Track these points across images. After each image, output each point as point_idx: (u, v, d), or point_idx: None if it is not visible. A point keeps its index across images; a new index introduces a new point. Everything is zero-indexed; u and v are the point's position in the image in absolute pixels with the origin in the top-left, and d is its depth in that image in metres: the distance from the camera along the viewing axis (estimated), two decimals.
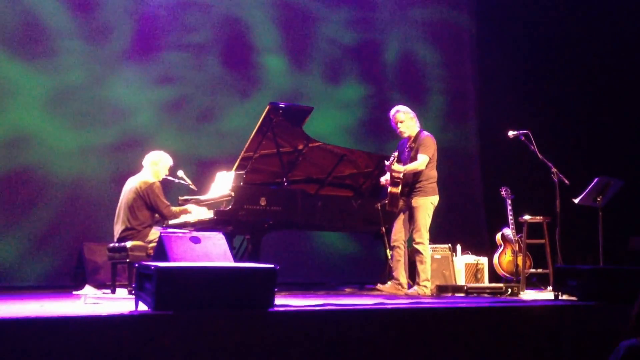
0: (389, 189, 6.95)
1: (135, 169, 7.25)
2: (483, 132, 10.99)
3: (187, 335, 3.94)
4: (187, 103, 9.54)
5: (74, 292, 6.95)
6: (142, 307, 4.27)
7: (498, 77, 10.64)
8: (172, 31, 9.52)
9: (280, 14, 10.24)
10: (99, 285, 7.55)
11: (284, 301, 5.22)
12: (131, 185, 6.93)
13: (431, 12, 11.16)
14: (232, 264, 5.13)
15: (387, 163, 6.91)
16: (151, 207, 6.82)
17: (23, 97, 8.59)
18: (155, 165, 7.03)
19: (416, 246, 6.89)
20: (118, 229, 6.89)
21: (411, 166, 6.88)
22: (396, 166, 6.87)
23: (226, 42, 9.84)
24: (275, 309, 4.37)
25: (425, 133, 7.04)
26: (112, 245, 6.91)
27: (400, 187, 6.90)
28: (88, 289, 7.20)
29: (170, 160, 7.14)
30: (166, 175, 7.11)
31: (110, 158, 8.90)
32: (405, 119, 7.01)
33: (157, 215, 6.92)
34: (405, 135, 7.04)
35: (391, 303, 5.44)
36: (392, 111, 7.10)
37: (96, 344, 3.75)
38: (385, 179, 7.08)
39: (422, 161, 6.85)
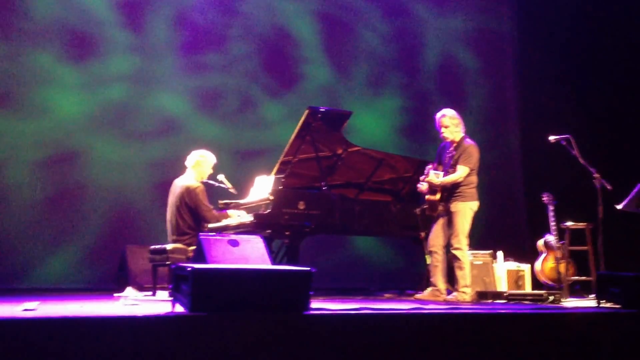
0: (427, 196, 6.91)
1: (175, 177, 7.37)
2: (525, 138, 10.90)
3: (222, 336, 3.94)
4: (231, 114, 9.67)
5: (115, 295, 7.04)
6: (179, 308, 4.29)
7: (539, 82, 10.54)
8: (217, 43, 9.73)
9: (321, 24, 10.33)
10: (141, 288, 7.64)
11: (320, 305, 5.22)
12: (177, 188, 7.03)
13: (471, 19, 11.15)
14: (268, 266, 5.13)
15: (422, 177, 6.88)
16: (194, 210, 6.89)
17: (70, 112, 8.87)
18: (199, 166, 7.10)
19: (454, 252, 6.81)
20: (170, 232, 6.98)
21: (449, 178, 6.82)
22: (432, 178, 6.82)
23: (269, 52, 9.99)
24: (311, 312, 4.33)
25: (469, 141, 6.96)
26: (153, 247, 7.00)
27: (438, 194, 6.85)
28: (129, 291, 7.29)
29: (214, 158, 7.19)
30: (207, 179, 7.16)
31: (153, 168, 9.13)
32: (451, 125, 6.94)
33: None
34: (449, 140, 6.99)
35: (428, 308, 5.39)
36: (438, 115, 7.03)
37: (132, 345, 3.77)
38: (422, 187, 7.03)
39: (461, 173, 6.79)
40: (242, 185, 7.78)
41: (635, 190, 7.42)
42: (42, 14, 8.79)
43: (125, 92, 9.14)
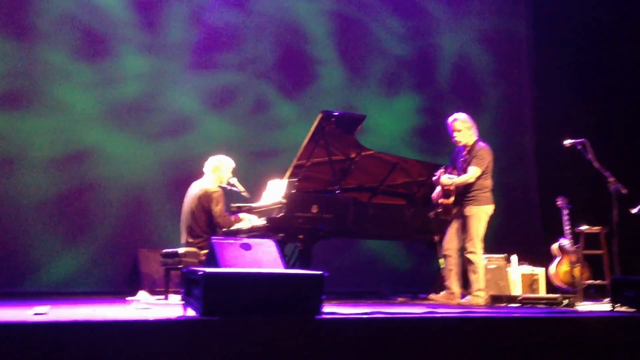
0: (441, 200, 6.90)
1: (190, 178, 7.37)
2: (539, 141, 10.83)
3: (234, 341, 3.93)
4: (244, 114, 9.65)
5: (128, 298, 7.05)
6: (191, 312, 4.29)
7: (554, 85, 10.48)
8: (231, 42, 9.69)
9: (336, 24, 10.32)
10: (153, 292, 7.65)
11: (333, 309, 5.20)
12: (194, 191, 7.05)
13: (486, 20, 11.10)
14: (279, 270, 5.12)
15: (434, 178, 6.87)
16: (210, 214, 6.90)
17: (84, 111, 8.83)
18: (218, 171, 7.13)
19: (468, 256, 6.79)
20: (184, 234, 7.00)
21: (460, 179, 6.80)
22: (444, 180, 6.81)
23: (283, 52, 9.95)
24: (323, 316, 4.32)
25: (481, 144, 6.94)
26: (165, 251, 7.01)
27: (452, 197, 6.83)
28: (141, 295, 7.30)
29: (232, 163, 7.21)
30: (221, 184, 7.17)
31: (166, 169, 9.10)
32: (463, 128, 6.92)
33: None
34: (461, 144, 6.97)
35: (441, 312, 5.37)
36: (450, 119, 7.02)
37: (144, 349, 3.77)
38: (437, 192, 7.01)
39: (472, 174, 6.77)
40: (255, 187, 7.78)
41: None
42: (57, 12, 8.77)
43: (139, 92, 9.10)
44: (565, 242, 8.17)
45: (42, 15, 8.70)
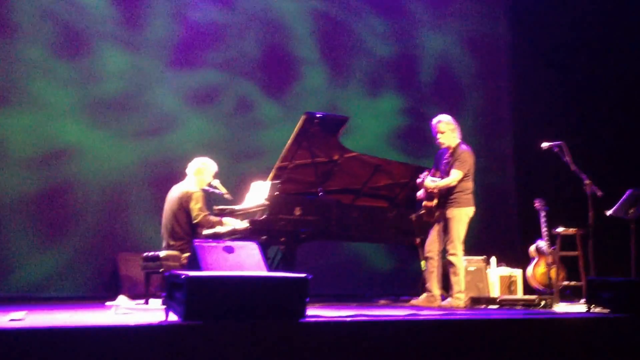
0: (424, 202, 6.96)
1: (172, 178, 7.36)
2: (518, 144, 10.93)
3: (217, 345, 3.92)
4: (228, 114, 9.64)
5: (107, 303, 7.03)
6: (173, 317, 4.27)
7: (533, 89, 10.59)
8: (214, 41, 9.64)
9: (320, 25, 10.32)
10: (133, 296, 7.59)
11: (316, 312, 5.25)
12: (175, 194, 7.03)
13: (467, 23, 11.17)
14: (263, 273, 5.14)
15: (419, 180, 6.92)
16: (191, 215, 6.90)
17: (63, 108, 8.73)
18: (200, 174, 7.11)
19: (450, 258, 6.85)
20: (165, 237, 6.99)
21: (443, 182, 6.86)
22: (428, 182, 6.87)
23: (266, 52, 9.92)
24: (307, 319, 4.34)
25: (464, 147, 6.99)
26: (146, 254, 6.99)
27: (435, 200, 6.90)
28: (121, 299, 7.27)
29: (214, 166, 7.19)
30: (202, 187, 7.16)
31: (147, 168, 9.03)
32: (447, 130, 6.97)
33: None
34: (444, 146, 7.03)
35: (424, 314, 5.44)
36: (434, 120, 7.06)
37: (125, 355, 3.74)
38: (420, 193, 7.08)
39: (454, 177, 6.83)
40: (237, 187, 7.79)
41: (625, 196, 7.49)
42: (36, 7, 8.67)
43: (120, 89, 9.02)
44: (542, 243, 8.26)
45: (21, 11, 8.58)
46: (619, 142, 9.61)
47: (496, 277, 8.31)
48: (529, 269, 8.45)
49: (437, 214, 6.95)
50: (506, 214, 10.84)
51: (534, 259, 8.47)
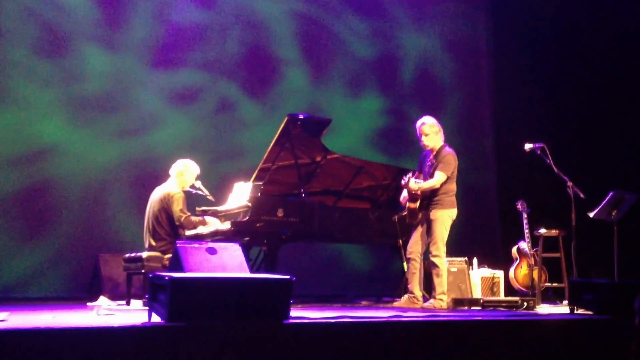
0: (407, 204, 6.96)
1: (153, 179, 7.32)
2: (499, 145, 10.97)
3: (201, 347, 3.92)
4: (210, 114, 9.60)
5: (89, 304, 6.98)
6: (156, 318, 4.25)
7: (514, 91, 10.62)
8: (196, 42, 9.59)
9: (301, 26, 10.31)
10: (114, 297, 7.57)
11: (299, 313, 5.23)
12: (157, 195, 7.02)
13: (448, 24, 11.19)
14: (247, 274, 5.12)
15: (402, 182, 6.92)
16: (173, 216, 6.87)
17: (44, 108, 8.66)
18: (182, 176, 7.09)
19: (433, 259, 6.86)
20: (147, 238, 6.95)
21: (427, 184, 6.86)
22: (412, 184, 6.87)
23: (248, 52, 9.89)
24: (290, 320, 4.34)
25: (448, 149, 6.98)
26: (127, 255, 6.96)
27: (418, 201, 6.90)
28: (102, 300, 7.23)
29: (197, 168, 7.18)
30: (184, 188, 7.13)
31: (128, 168, 8.98)
32: (430, 133, 6.96)
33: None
34: (428, 148, 7.03)
35: (407, 316, 5.43)
36: (419, 122, 7.05)
37: (107, 356, 3.72)
38: (403, 196, 7.09)
39: (438, 179, 6.83)
40: (219, 187, 7.75)
41: (607, 198, 7.55)
42: (18, 7, 8.60)
43: (101, 89, 8.94)
44: (524, 245, 8.29)
45: (3, 12, 8.51)
46: (601, 143, 9.67)
47: (478, 278, 8.33)
48: (511, 271, 8.48)
49: (420, 215, 6.95)
50: (488, 215, 10.88)
51: (516, 260, 8.50)
